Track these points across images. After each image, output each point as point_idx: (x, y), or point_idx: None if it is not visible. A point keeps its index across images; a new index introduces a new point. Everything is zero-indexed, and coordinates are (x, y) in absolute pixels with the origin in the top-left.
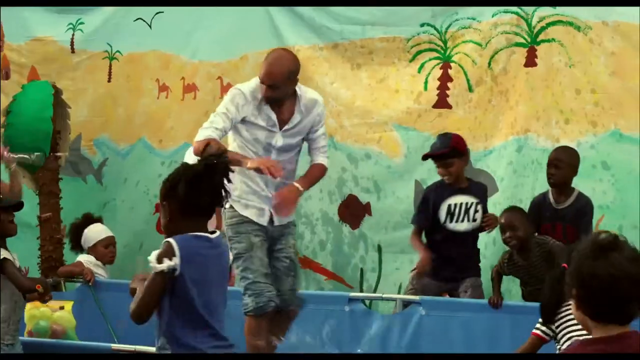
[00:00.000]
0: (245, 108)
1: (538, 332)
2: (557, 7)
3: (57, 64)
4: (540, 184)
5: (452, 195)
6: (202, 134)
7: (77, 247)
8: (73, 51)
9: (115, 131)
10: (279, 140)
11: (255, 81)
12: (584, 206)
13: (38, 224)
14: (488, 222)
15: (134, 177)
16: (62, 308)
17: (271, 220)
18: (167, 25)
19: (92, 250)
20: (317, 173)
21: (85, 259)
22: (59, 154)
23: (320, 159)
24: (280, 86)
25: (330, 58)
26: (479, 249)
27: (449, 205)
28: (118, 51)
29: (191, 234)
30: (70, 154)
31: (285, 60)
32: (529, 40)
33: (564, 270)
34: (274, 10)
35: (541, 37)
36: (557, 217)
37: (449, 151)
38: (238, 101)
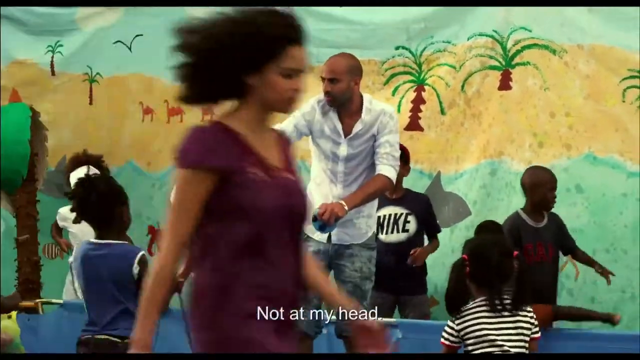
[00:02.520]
0: (309, 115)
1: (446, 342)
2: (533, 31)
3: (38, 87)
4: (514, 207)
5: (383, 206)
6: None
7: (68, 185)
8: (53, 74)
9: (101, 153)
10: (343, 150)
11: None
12: (560, 221)
13: (15, 246)
14: (414, 256)
15: None
16: (9, 317)
17: (329, 238)
18: (147, 48)
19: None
20: (372, 187)
21: (62, 212)
22: (36, 176)
23: (381, 169)
24: (340, 79)
25: (305, 80)
26: (424, 263)
27: (379, 217)
28: (98, 74)
29: None
30: (55, 176)
31: (345, 56)
32: (503, 63)
33: (465, 261)
34: None
35: (516, 60)
36: (538, 236)
37: None
38: (304, 109)
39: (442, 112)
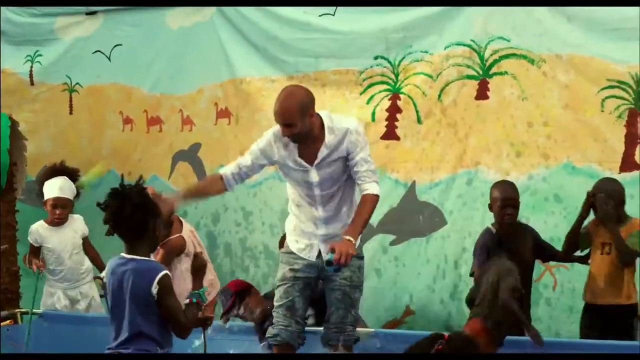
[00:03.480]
0: (270, 150)
1: None
2: (512, 40)
3: (16, 96)
4: (490, 217)
5: None
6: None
7: (42, 195)
8: (32, 83)
9: (81, 163)
10: (314, 176)
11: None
12: (534, 233)
13: None
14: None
15: None
16: None
17: (320, 255)
18: (126, 57)
19: (44, 204)
20: (366, 210)
21: (34, 229)
22: (15, 185)
23: (366, 187)
24: (296, 123)
25: (280, 90)
26: None
27: None
28: (78, 83)
29: None
30: (34, 186)
31: (295, 96)
32: (480, 72)
33: None
34: (228, 41)
35: (494, 69)
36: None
37: None
38: (261, 145)
39: (419, 121)
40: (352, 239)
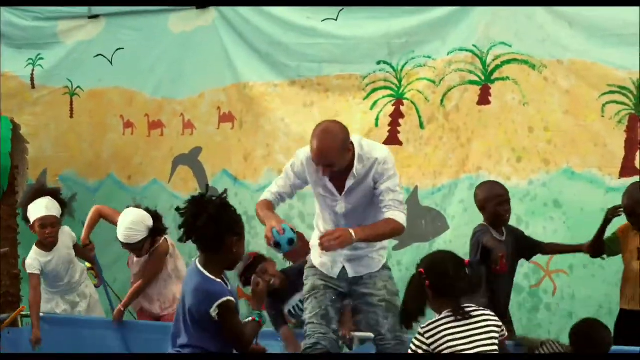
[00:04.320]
0: (303, 173)
1: (417, 351)
2: (513, 46)
3: (18, 100)
4: None
5: None
6: (263, 195)
7: (27, 220)
8: (33, 87)
9: (82, 166)
10: (341, 207)
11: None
12: (518, 233)
13: None
14: None
15: None
16: None
17: (344, 272)
18: (128, 61)
19: (32, 228)
20: (381, 225)
21: (29, 259)
22: (17, 189)
23: (392, 214)
24: (336, 162)
25: (283, 94)
26: None
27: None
28: (79, 87)
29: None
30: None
31: (334, 134)
32: (482, 78)
33: (422, 274)
34: (231, 46)
35: (495, 75)
36: (502, 248)
37: None
38: (295, 169)
39: (421, 126)
40: (353, 234)
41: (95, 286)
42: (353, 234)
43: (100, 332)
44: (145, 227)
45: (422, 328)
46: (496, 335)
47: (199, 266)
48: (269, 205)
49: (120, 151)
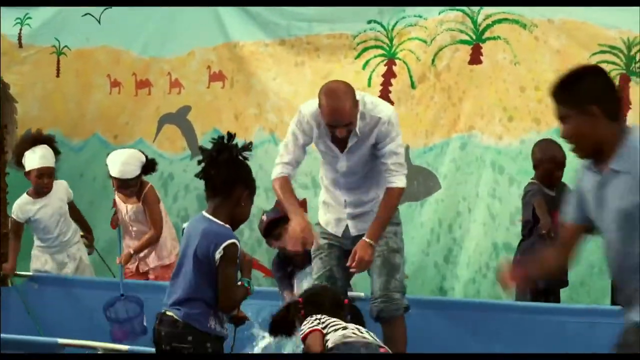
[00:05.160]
0: (311, 131)
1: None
2: (504, 6)
3: (5, 59)
4: (484, 181)
5: None
6: (275, 172)
7: (19, 166)
8: (21, 46)
9: (66, 126)
10: (342, 166)
11: (314, 104)
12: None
13: None
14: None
15: (90, 173)
16: None
17: (348, 230)
18: (116, 20)
19: (27, 175)
20: (387, 206)
21: (17, 204)
22: (6, 148)
23: (392, 180)
24: (354, 121)
25: (275, 54)
26: None
27: None
28: (66, 46)
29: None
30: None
31: (346, 94)
32: (473, 37)
33: (299, 303)
34: (220, 5)
35: (486, 34)
36: (552, 205)
37: None
38: (304, 126)
39: (413, 86)
40: (372, 242)
41: (88, 253)
42: (371, 241)
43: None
44: (140, 162)
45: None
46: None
47: (206, 215)
48: (290, 189)
49: (106, 111)
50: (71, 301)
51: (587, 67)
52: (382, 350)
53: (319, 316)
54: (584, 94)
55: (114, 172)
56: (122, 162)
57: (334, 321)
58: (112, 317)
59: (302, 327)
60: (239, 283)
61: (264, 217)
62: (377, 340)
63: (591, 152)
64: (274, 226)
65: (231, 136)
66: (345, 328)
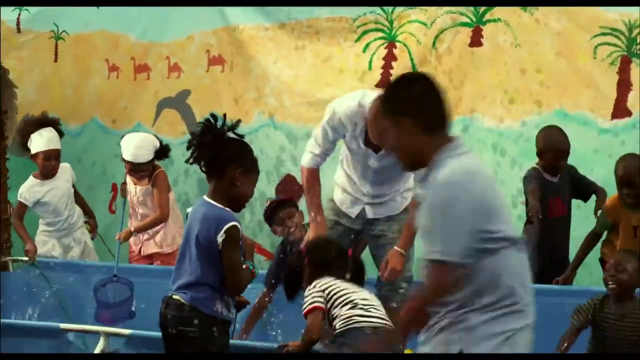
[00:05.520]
0: (341, 130)
1: (319, 305)
2: None
3: (4, 44)
4: (486, 163)
5: None
6: (305, 159)
7: (24, 148)
8: (19, 31)
9: (64, 111)
10: (374, 163)
11: (352, 103)
12: (574, 173)
13: None
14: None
15: (89, 157)
16: None
17: (363, 213)
18: (115, 5)
19: (33, 157)
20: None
21: (24, 187)
22: (6, 133)
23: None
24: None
25: (275, 37)
26: None
27: None
28: (64, 31)
29: None
30: (17, 138)
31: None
32: (474, 20)
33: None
34: None
35: (487, 17)
36: (554, 192)
37: None
38: (335, 123)
39: (414, 68)
40: (403, 251)
41: (92, 238)
42: (402, 251)
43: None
44: (153, 147)
45: (316, 284)
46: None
47: (207, 199)
48: (318, 190)
49: (104, 95)
50: (75, 285)
51: (404, 76)
52: None
53: (323, 282)
54: (394, 105)
55: (127, 155)
56: (135, 146)
57: (339, 290)
58: (102, 299)
59: (306, 296)
60: (244, 266)
61: (267, 204)
62: (385, 318)
63: (411, 164)
64: (276, 209)
65: (215, 118)
66: (352, 302)
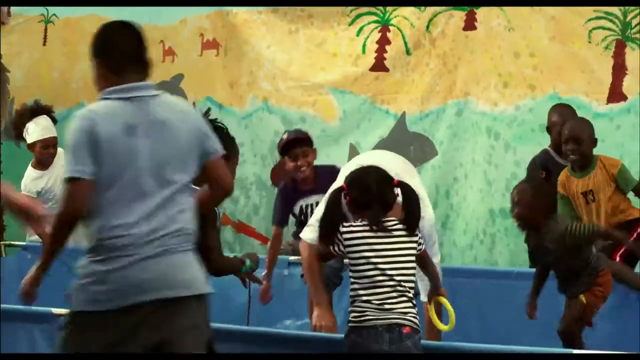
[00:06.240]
0: None
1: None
2: None
3: None
4: (480, 147)
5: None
6: (306, 234)
7: (19, 137)
8: (9, 14)
9: (51, 95)
10: None
11: None
12: None
13: None
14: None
15: None
16: None
17: None
18: None
19: (30, 146)
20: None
21: (27, 178)
22: None
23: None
24: None
25: (268, 22)
26: None
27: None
28: (54, 15)
29: None
30: (10, 127)
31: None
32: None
33: (344, 189)
34: None
35: None
36: None
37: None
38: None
39: (408, 52)
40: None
41: None
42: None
43: None
44: None
45: (344, 227)
46: (413, 251)
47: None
48: (319, 270)
49: (92, 80)
50: (65, 270)
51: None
52: (405, 330)
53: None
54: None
55: None
56: None
57: (359, 241)
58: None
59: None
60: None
61: (284, 137)
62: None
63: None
64: (294, 143)
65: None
66: (368, 265)
